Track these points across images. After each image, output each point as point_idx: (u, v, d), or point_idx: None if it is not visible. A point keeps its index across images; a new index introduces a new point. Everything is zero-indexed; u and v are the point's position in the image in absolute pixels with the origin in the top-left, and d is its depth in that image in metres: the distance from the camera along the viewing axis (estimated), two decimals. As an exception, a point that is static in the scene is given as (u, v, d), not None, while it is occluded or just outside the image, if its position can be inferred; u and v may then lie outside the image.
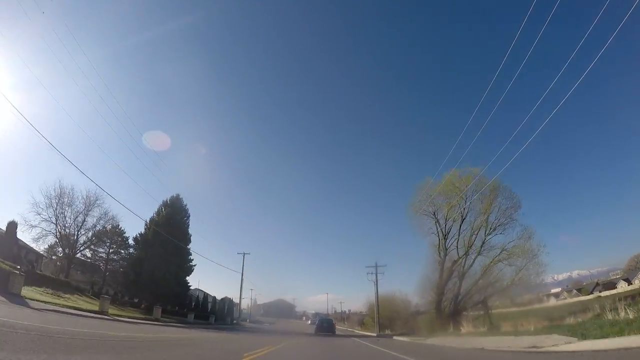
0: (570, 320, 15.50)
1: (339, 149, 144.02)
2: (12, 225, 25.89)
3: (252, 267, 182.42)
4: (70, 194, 33.72)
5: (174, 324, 25.08)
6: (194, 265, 39.78)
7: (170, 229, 36.98)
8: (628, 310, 10.82)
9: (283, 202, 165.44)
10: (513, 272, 27.90)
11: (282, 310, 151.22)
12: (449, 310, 29.50)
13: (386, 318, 38.81)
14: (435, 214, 32.60)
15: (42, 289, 18.86)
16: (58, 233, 34.28)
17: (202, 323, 34.69)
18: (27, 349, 4.67)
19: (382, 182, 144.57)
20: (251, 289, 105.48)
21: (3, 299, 11.77)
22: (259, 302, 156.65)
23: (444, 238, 31.89)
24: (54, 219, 32.83)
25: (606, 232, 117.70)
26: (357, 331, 46.30)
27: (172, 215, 39.12)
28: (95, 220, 36.65)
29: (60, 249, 35.65)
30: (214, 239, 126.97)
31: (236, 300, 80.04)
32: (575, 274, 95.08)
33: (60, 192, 33.20)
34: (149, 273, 34.11)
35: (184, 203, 41.04)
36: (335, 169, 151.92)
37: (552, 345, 9.24)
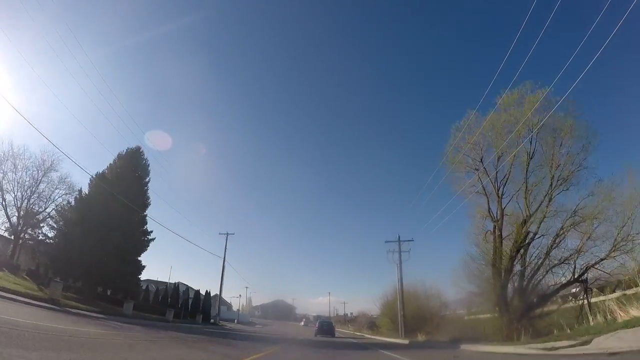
0: None
1: (337, 149, 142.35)
2: None
3: (251, 267, 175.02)
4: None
5: (106, 319, 14.93)
6: (151, 240, 29.63)
7: (122, 188, 26.99)
8: None
9: (282, 203, 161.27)
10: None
11: (281, 312, 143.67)
12: (519, 303, 18.86)
13: (410, 318, 28.18)
14: (482, 160, 22.07)
15: None
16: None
17: (177, 322, 24.71)
18: None
19: (382, 181, 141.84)
20: (246, 287, 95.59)
21: None
22: (256, 303, 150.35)
23: (499, 194, 21.34)
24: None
25: None
26: (368, 335, 35.69)
27: (127, 172, 29.09)
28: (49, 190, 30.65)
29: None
30: (214, 238, 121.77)
31: (224, 296, 70.34)
32: None
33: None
34: (81, 243, 24.04)
35: (145, 158, 31.01)
36: (333, 169, 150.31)
37: None
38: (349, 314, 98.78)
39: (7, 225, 29.73)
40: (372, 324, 45.52)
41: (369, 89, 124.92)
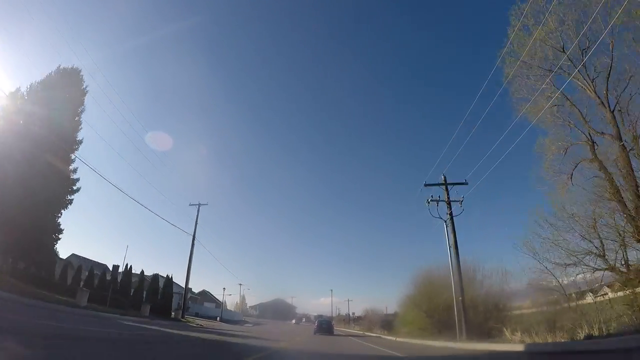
0: None
1: (334, 147, 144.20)
2: None
3: (250, 266, 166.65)
4: None
5: None
6: (76, 190, 20.66)
7: (44, 115, 18.22)
8: None
9: (282, 202, 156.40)
10: None
11: (280, 312, 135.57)
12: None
13: (443, 309, 19.04)
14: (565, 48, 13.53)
15: None
16: None
17: (97, 310, 15.64)
18: None
19: (382, 181, 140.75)
20: (240, 284, 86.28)
21: None
22: (255, 302, 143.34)
23: (606, 96, 12.88)
24: None
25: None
26: (389, 337, 26.35)
27: (53, 97, 20.17)
28: None
29: None
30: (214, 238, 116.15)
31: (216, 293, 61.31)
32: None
33: None
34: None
35: (84, 83, 22.09)
36: (334, 169, 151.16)
37: None
38: (353, 314, 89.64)
39: None
40: (386, 323, 36.31)
41: (365, 87, 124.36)
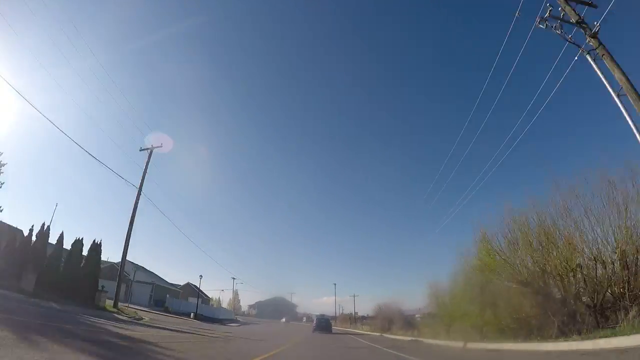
0: None
1: (341, 148, 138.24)
2: None
3: (249, 263, 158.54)
4: None
5: None
6: None
7: None
8: None
9: (282, 201, 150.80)
10: None
11: (280, 310, 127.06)
12: None
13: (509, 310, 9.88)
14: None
15: None
16: None
17: None
18: None
19: (383, 180, 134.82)
20: (233, 278, 77.58)
21: None
22: (254, 301, 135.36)
23: None
24: None
25: None
26: (431, 340, 17.28)
27: None
28: None
29: None
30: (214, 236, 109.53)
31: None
32: None
33: None
34: None
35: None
36: (339, 166, 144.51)
37: None
38: (356, 313, 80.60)
39: None
40: (409, 324, 27.46)
41: (368, 83, 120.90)
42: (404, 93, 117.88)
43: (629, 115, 7.01)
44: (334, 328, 38.72)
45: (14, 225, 21.52)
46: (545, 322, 9.55)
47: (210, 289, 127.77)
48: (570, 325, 8.95)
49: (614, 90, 7.33)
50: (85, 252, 19.42)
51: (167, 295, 49.33)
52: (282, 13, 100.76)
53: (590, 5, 8.07)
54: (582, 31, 7.99)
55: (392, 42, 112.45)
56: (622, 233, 9.03)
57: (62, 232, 19.70)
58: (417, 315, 32.77)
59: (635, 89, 7.08)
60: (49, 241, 18.70)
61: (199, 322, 32.33)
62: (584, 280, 9.75)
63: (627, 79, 7.05)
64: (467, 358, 9.86)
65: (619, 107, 7.11)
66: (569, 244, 9.89)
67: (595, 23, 7.74)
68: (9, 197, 65.25)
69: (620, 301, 9.22)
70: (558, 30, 8.37)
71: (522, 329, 10.33)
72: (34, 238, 18.02)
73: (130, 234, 20.50)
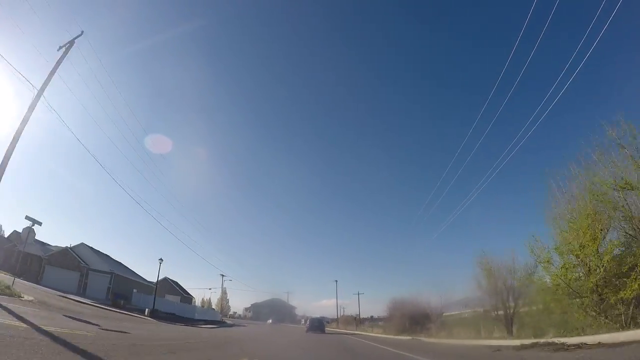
0: None
1: (340, 150, 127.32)
2: None
3: (245, 263, 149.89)
4: None
5: None
6: None
7: None
8: None
9: (282, 202, 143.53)
10: None
11: (277, 313, 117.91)
12: None
13: None
14: None
15: None
16: None
17: None
18: None
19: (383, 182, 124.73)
20: (221, 275, 68.84)
21: None
22: (250, 303, 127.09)
23: None
24: None
25: None
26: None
27: None
28: None
29: None
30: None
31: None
32: None
33: None
34: None
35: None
36: (337, 169, 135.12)
37: None
38: (358, 315, 71.99)
39: None
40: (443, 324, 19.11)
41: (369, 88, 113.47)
42: (422, 86, 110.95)
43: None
44: (336, 330, 30.34)
45: None
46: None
47: (198, 288, 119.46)
48: None
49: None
50: None
51: (135, 290, 40.86)
52: (281, 15, 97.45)
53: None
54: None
55: (390, 44, 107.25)
56: None
57: None
58: (465, 311, 24.29)
59: None
60: None
61: (161, 323, 23.76)
62: None
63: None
64: None
65: None
66: None
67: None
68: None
69: None
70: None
71: None
72: None
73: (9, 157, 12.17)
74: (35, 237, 18.94)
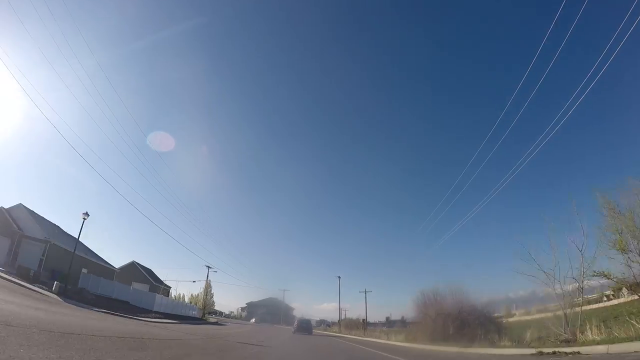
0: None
1: (342, 150, 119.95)
2: None
3: (242, 260, 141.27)
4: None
5: None
6: None
7: None
8: None
9: (285, 203, 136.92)
10: None
11: (273, 313, 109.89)
12: None
13: None
14: None
15: None
16: None
17: None
18: None
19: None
20: (207, 266, 58.47)
21: None
22: (245, 302, 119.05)
23: None
24: None
25: None
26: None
27: None
28: None
29: None
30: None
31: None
32: None
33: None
34: None
35: None
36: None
37: None
38: (363, 320, 61.73)
39: None
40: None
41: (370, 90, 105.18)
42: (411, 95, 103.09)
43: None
44: (336, 334, 21.70)
45: None
46: None
47: (185, 280, 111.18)
48: None
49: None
50: None
51: (85, 270, 32.07)
52: (283, 16, 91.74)
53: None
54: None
55: (390, 50, 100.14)
56: None
57: None
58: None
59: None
60: None
61: (59, 301, 14.78)
62: None
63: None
64: None
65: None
66: None
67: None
68: None
69: None
70: None
71: None
72: None
73: None
74: None
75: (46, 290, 19.80)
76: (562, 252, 12.85)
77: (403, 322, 43.73)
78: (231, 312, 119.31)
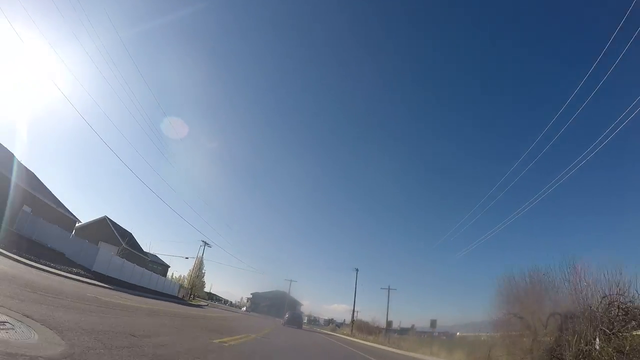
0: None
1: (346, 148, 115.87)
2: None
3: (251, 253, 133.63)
4: None
5: None
6: None
7: None
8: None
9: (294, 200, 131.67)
10: None
11: (279, 306, 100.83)
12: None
13: None
14: None
15: None
16: None
17: None
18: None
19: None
20: (203, 242, 48.71)
21: None
22: (250, 293, 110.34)
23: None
24: None
25: None
26: None
27: None
28: None
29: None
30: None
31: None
32: None
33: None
34: None
35: None
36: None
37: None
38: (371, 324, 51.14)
39: None
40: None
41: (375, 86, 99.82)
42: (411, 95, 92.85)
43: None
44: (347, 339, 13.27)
45: None
46: None
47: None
48: None
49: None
50: None
51: (27, 209, 23.49)
52: (289, 11, 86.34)
53: None
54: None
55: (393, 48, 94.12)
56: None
57: None
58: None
59: None
60: None
61: None
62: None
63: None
64: None
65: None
66: None
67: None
68: None
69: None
70: None
71: None
72: None
73: None
74: None
75: None
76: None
77: (447, 334, 32.78)
78: (236, 301, 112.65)
